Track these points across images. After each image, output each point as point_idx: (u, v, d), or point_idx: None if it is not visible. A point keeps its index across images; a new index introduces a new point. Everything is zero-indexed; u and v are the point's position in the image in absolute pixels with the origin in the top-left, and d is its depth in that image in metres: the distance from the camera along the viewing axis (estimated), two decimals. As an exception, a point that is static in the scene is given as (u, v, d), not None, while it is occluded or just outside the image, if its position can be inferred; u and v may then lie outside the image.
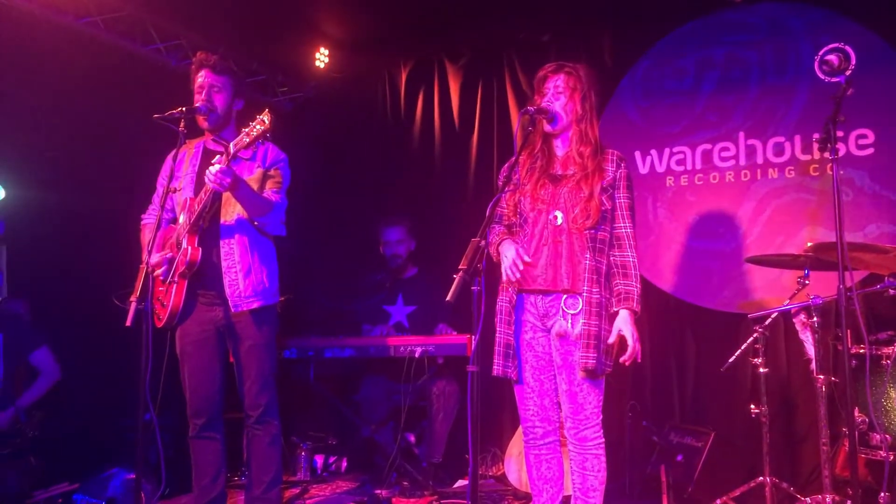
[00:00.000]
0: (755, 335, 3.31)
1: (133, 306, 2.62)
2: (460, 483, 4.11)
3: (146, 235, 3.18)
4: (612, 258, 2.62)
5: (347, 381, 4.47)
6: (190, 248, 2.94)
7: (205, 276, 3.02)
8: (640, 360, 2.60)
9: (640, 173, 4.39)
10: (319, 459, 4.52)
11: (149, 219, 3.24)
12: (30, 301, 4.07)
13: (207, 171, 2.78)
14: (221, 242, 3.02)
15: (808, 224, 3.96)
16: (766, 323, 3.31)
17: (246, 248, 3.04)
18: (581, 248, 2.58)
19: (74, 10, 4.04)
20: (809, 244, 3.14)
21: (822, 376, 3.06)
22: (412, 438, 4.29)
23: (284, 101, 5.38)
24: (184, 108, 2.88)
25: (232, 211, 3.04)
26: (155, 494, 3.60)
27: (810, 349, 3.12)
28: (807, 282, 3.18)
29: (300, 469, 4.32)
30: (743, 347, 3.38)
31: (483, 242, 2.25)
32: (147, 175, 3.29)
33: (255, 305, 3.04)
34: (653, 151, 4.41)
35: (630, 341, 2.52)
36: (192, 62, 3.17)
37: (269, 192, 3.09)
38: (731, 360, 3.40)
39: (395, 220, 4.46)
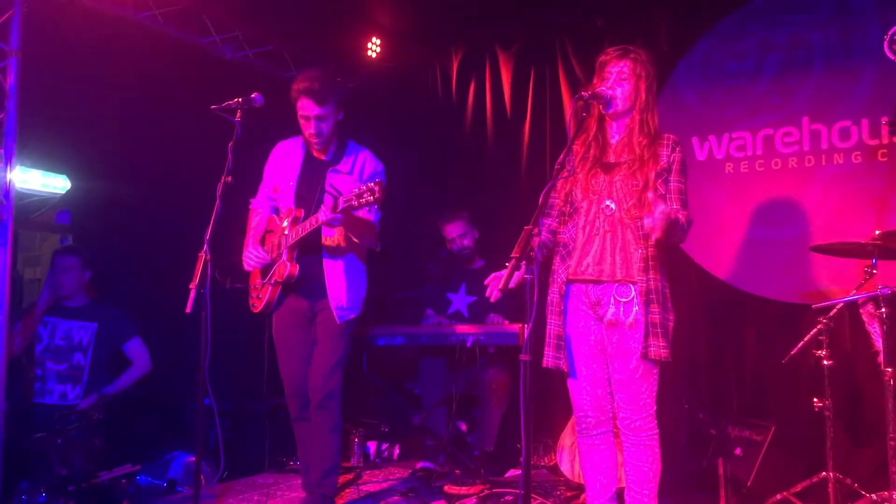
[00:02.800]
0: (819, 326, 3.20)
1: (192, 293, 2.68)
2: (512, 472, 4.10)
3: (251, 221, 3.34)
4: None
5: (399, 369, 4.49)
6: (289, 263, 3.08)
7: (304, 286, 3.16)
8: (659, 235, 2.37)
9: (698, 160, 4.27)
10: (372, 446, 4.56)
11: (254, 205, 3.38)
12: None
13: (316, 217, 2.90)
14: (324, 261, 3.14)
15: (875, 211, 3.80)
16: (831, 314, 3.20)
17: (346, 265, 3.17)
18: (635, 237, 2.53)
19: (134, 5, 4.15)
20: (877, 232, 3.02)
21: (890, 369, 2.94)
22: (464, 427, 4.29)
23: (337, 91, 5.41)
24: (240, 99, 2.91)
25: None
26: (214, 477, 3.70)
27: (878, 341, 3.01)
28: (874, 271, 3.06)
29: (353, 455, 4.37)
30: (806, 339, 3.27)
31: (535, 231, 2.22)
32: (206, 166, 3.33)
33: (351, 316, 3.20)
34: (711, 137, 4.28)
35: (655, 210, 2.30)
36: (292, 82, 3.15)
37: (365, 209, 3.09)
38: (793, 351, 3.30)
39: (454, 216, 4.41)
